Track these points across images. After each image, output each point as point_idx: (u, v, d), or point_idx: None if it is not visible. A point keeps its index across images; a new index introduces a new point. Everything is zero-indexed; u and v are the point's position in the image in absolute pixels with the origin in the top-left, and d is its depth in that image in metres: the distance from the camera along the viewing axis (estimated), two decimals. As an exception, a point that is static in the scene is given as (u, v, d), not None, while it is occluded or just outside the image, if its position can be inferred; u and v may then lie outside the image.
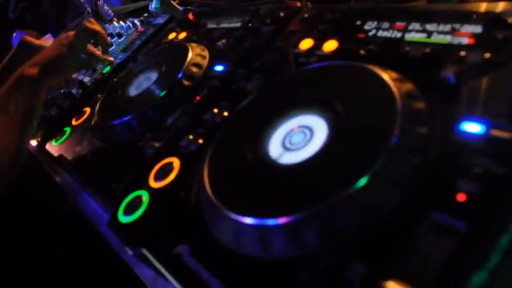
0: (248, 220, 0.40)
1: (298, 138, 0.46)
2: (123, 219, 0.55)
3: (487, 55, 0.44)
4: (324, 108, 0.46)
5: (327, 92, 0.49)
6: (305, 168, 0.42)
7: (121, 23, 1.24)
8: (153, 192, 0.56)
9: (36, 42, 1.14)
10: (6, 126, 0.71)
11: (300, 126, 0.47)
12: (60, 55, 0.80)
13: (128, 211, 0.56)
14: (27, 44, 1.11)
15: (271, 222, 0.39)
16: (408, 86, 0.44)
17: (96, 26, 0.85)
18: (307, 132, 0.46)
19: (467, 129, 0.38)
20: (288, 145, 0.46)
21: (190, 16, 1.01)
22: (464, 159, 0.36)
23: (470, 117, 0.39)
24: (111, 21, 1.32)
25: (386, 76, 0.44)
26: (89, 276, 1.12)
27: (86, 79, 1.05)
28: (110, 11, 1.57)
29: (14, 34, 2.88)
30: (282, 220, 0.38)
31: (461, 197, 0.34)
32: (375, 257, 0.34)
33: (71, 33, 0.84)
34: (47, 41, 1.23)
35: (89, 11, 1.56)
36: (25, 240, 1.23)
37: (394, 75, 0.46)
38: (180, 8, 1.13)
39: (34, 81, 0.76)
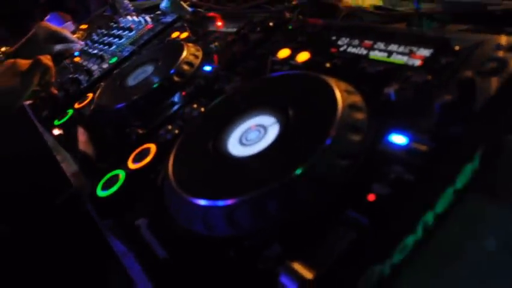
0: (196, 201, 0.46)
1: (254, 135, 0.52)
2: (100, 193, 0.61)
3: (429, 77, 0.49)
4: (278, 111, 0.52)
5: (283, 97, 0.54)
6: (251, 160, 0.48)
7: (134, 17, 1.31)
8: (129, 172, 0.62)
9: (53, 28, 1.21)
10: None
11: (257, 125, 0.53)
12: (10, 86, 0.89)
13: (106, 187, 0.62)
14: (45, 28, 1.19)
15: (212, 203, 0.44)
16: (354, 98, 0.49)
17: (48, 62, 0.94)
18: (262, 130, 0.51)
19: (394, 140, 0.43)
20: (244, 141, 0.52)
21: (194, 17, 1.07)
22: (385, 166, 0.41)
23: (399, 130, 0.44)
24: (126, 15, 1.39)
25: (335, 87, 0.49)
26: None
27: (94, 67, 1.12)
28: (130, 5, 1.65)
29: (49, 16, 2.98)
30: (220, 203, 0.43)
31: (371, 197, 0.39)
32: (292, 242, 0.40)
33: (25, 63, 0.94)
34: (64, 29, 1.30)
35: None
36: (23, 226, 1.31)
37: (344, 87, 0.51)
38: (189, 9, 1.19)
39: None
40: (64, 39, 1.17)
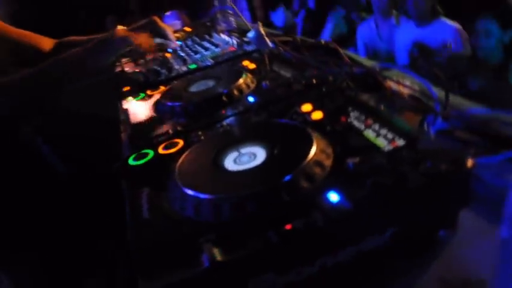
0: (188, 191, 0.62)
1: (245, 159, 0.67)
2: (131, 162, 0.80)
3: (384, 161, 0.62)
4: (268, 147, 0.67)
5: (277, 138, 0.70)
6: (236, 174, 0.64)
7: (225, 36, 1.52)
8: (156, 154, 0.80)
9: (161, 24, 1.45)
10: (60, 68, 1.11)
11: (251, 153, 0.69)
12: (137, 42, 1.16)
13: (137, 158, 0.81)
14: (153, 23, 1.42)
15: (202, 196, 0.60)
16: (323, 157, 0.63)
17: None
18: (253, 156, 0.67)
19: (330, 196, 0.57)
20: (237, 161, 0.68)
21: (269, 54, 1.25)
22: (311, 209, 0.55)
23: (339, 191, 0.58)
24: (221, 32, 1.61)
25: (315, 143, 0.64)
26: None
27: (176, 67, 1.33)
28: (234, 23, 1.88)
29: (169, 12, 3.35)
30: (207, 196, 0.60)
31: (288, 226, 0.53)
32: (227, 233, 0.55)
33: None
34: (169, 27, 1.54)
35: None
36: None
37: (322, 146, 0.65)
38: (270, 45, 1.37)
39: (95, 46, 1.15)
40: (164, 36, 1.39)
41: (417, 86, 0.99)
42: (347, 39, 3.51)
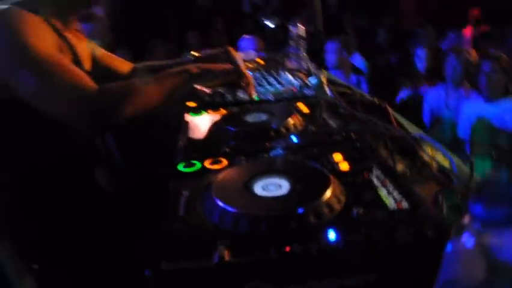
0: (219, 202, 0.76)
1: (272, 187, 0.81)
2: (180, 168, 0.96)
3: (382, 217, 0.73)
4: (294, 182, 0.80)
5: (303, 176, 0.82)
6: (262, 198, 0.77)
7: (290, 77, 1.67)
8: (202, 166, 0.95)
9: (234, 55, 1.60)
10: (154, 90, 1.15)
11: (278, 184, 0.82)
12: (222, 75, 1.25)
13: (186, 166, 0.96)
14: (227, 53, 1.58)
15: (227, 208, 0.74)
16: (334, 201, 0.75)
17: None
18: (279, 187, 0.81)
19: (329, 234, 0.69)
20: (265, 188, 0.81)
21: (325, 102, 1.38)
22: (309, 240, 0.67)
23: (338, 232, 0.69)
24: (289, 71, 1.76)
25: (331, 188, 0.76)
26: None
27: (241, 94, 1.49)
28: (303, 64, 2.03)
29: (247, 36, 3.57)
30: (230, 209, 0.73)
31: (287, 248, 0.65)
32: (235, 243, 0.68)
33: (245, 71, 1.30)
34: (240, 57, 1.67)
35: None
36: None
37: (338, 191, 0.77)
38: (329, 94, 1.50)
39: (189, 76, 1.20)
40: (236, 67, 1.54)
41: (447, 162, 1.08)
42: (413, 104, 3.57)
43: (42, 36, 1.12)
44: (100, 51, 1.52)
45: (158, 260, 0.66)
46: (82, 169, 1.38)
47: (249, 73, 1.38)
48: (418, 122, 3.40)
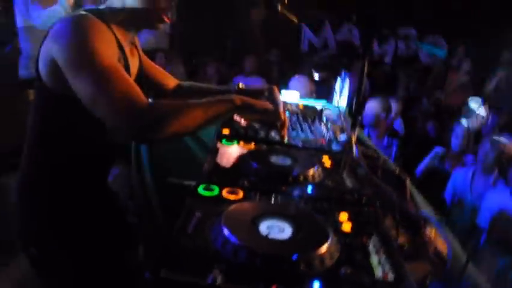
0: (225, 230, 0.85)
1: (275, 229, 0.89)
2: (200, 189, 1.05)
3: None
4: (298, 229, 0.88)
5: (307, 224, 0.90)
6: (264, 237, 0.85)
7: (323, 127, 1.75)
8: (219, 193, 1.04)
9: (277, 96, 1.68)
10: (199, 114, 1.21)
11: (282, 227, 0.90)
12: (262, 114, 1.34)
13: (205, 189, 1.05)
14: (271, 92, 1.67)
15: (231, 238, 0.82)
16: (327, 257, 0.82)
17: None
18: (282, 230, 0.88)
19: (315, 285, 0.76)
20: (269, 228, 0.89)
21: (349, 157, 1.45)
22: (297, 283, 0.74)
23: (320, 282, 0.76)
24: (323, 122, 1.85)
25: (327, 248, 0.83)
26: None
27: (273, 133, 1.58)
28: (340, 118, 2.11)
29: (296, 77, 3.67)
30: (233, 239, 0.82)
31: (274, 286, 0.73)
32: (229, 270, 0.75)
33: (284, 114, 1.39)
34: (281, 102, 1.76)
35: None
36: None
37: (332, 250, 0.84)
38: (355, 153, 1.57)
39: (233, 107, 1.28)
40: (276, 106, 1.63)
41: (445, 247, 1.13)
42: (438, 176, 3.57)
43: (107, 44, 1.22)
44: (148, 63, 1.62)
45: (159, 267, 0.74)
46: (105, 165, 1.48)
47: (286, 116, 1.44)
48: (439, 197, 3.42)
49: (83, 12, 1.23)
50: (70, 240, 1.34)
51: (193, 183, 1.16)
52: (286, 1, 1.64)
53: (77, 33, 1.18)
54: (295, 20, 1.71)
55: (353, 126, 1.75)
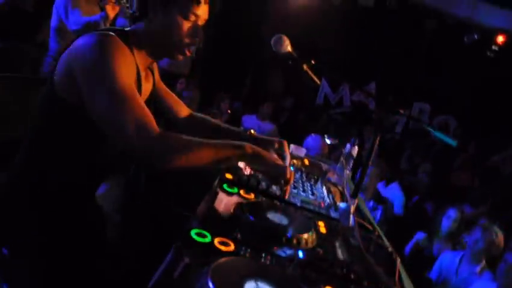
0: (209, 283, 0.84)
1: (258, 292, 0.88)
2: (192, 234, 1.05)
3: None
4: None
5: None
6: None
7: (324, 189, 1.75)
8: (211, 242, 1.04)
9: (287, 150, 1.69)
10: (208, 154, 1.24)
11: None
12: (270, 167, 1.34)
13: (197, 234, 1.05)
14: (282, 146, 1.68)
15: None
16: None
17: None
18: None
19: None
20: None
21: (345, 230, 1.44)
22: None
23: None
24: (325, 184, 1.85)
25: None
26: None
27: (275, 188, 1.58)
28: (343, 184, 2.11)
29: (313, 135, 3.70)
30: None
31: None
32: None
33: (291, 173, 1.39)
34: (289, 153, 1.77)
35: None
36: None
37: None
38: (351, 223, 1.57)
39: (242, 154, 1.30)
40: (282, 159, 1.64)
41: None
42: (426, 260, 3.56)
43: (127, 66, 1.23)
44: (163, 88, 1.64)
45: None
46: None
47: (292, 174, 1.42)
48: (424, 275, 3.39)
49: (109, 32, 1.26)
50: (44, 245, 1.32)
51: (186, 213, 1.16)
52: (313, 61, 1.67)
53: (100, 50, 1.20)
54: (317, 81, 1.74)
55: (354, 195, 1.76)
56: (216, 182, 1.52)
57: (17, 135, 1.50)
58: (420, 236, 3.77)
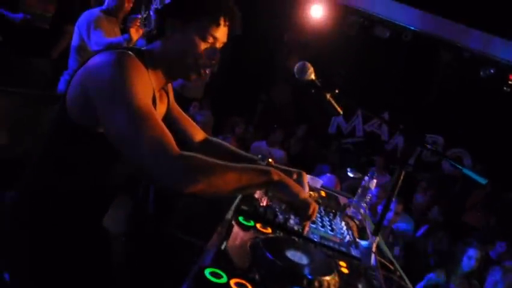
0: None
1: None
2: (207, 273, 0.95)
3: None
4: None
5: None
6: None
7: (344, 224, 1.66)
8: (227, 283, 0.94)
9: (305, 181, 1.60)
10: (232, 178, 1.15)
11: None
12: (295, 198, 1.25)
13: (212, 274, 0.95)
14: (301, 177, 1.59)
15: None
16: None
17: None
18: None
19: None
20: None
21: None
22: None
23: None
24: (344, 219, 1.75)
25: None
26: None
27: (292, 220, 1.49)
28: (360, 217, 2.01)
29: (328, 174, 3.64)
30: None
31: None
32: None
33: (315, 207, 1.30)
34: (307, 188, 1.66)
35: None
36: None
37: None
38: (372, 263, 1.46)
39: (268, 181, 1.21)
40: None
41: None
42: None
43: (144, 86, 1.19)
44: (177, 110, 1.59)
45: None
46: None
47: (316, 209, 1.33)
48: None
49: (127, 51, 1.22)
50: (47, 268, 1.25)
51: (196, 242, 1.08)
52: (337, 90, 1.59)
53: (117, 68, 1.16)
54: (340, 111, 1.66)
55: (375, 233, 1.65)
56: (230, 214, 1.44)
57: (26, 152, 1.45)
58: (432, 276, 3.64)
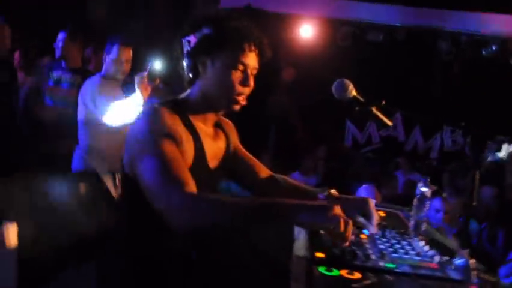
0: None
1: None
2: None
3: None
4: None
5: None
6: None
7: (424, 244, 1.48)
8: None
9: (372, 207, 1.44)
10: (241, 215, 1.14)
11: None
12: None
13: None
14: (366, 204, 1.43)
15: None
16: None
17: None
18: None
19: None
20: None
21: None
22: None
23: None
24: (420, 239, 1.57)
25: None
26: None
27: (373, 256, 1.31)
28: (428, 230, 1.82)
29: (364, 185, 3.45)
30: None
31: None
32: None
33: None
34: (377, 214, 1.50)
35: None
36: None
37: None
38: (474, 280, 1.28)
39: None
40: (369, 220, 1.40)
41: None
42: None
43: (171, 133, 1.24)
44: (240, 148, 1.62)
45: None
46: None
47: (350, 226, 1.15)
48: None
49: (155, 105, 1.30)
50: None
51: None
52: (383, 102, 1.45)
53: (145, 122, 1.26)
54: (389, 123, 1.51)
55: (462, 245, 1.48)
56: (302, 267, 1.25)
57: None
58: None
